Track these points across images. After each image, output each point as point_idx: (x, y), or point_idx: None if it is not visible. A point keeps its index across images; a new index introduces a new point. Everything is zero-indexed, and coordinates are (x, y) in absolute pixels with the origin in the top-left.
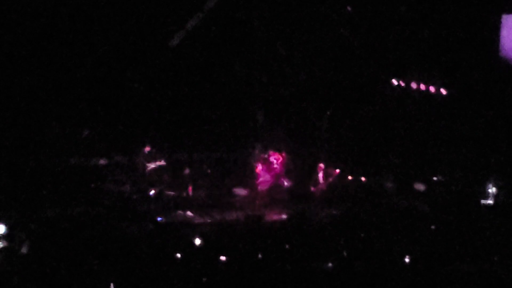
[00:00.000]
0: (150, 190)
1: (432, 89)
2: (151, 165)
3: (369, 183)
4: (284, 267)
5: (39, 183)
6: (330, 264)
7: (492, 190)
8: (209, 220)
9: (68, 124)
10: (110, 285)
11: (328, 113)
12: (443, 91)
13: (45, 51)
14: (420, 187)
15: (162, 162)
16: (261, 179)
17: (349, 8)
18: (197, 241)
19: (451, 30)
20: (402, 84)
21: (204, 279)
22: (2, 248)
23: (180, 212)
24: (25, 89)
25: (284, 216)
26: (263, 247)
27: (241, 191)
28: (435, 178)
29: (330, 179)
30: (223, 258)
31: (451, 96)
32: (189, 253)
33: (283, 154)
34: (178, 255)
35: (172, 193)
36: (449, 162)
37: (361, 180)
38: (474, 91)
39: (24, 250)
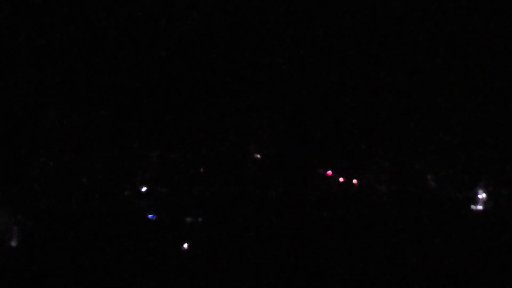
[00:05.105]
0: (142, 187)
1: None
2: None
3: (361, 185)
4: (277, 269)
5: (30, 176)
6: (320, 266)
7: (482, 196)
8: (200, 219)
9: (60, 118)
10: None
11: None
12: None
13: (41, 50)
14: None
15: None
16: None
17: None
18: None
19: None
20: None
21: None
22: None
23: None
24: (17, 83)
25: None
26: (255, 249)
27: None
28: (429, 177)
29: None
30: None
31: (444, 100)
32: (181, 252)
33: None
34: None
35: (164, 190)
36: (440, 167)
37: (352, 183)
38: (467, 96)
39: (13, 243)
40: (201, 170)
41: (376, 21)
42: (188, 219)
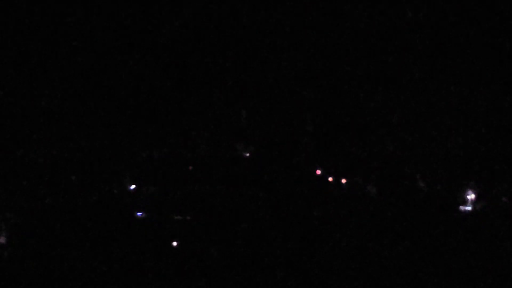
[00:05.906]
0: (131, 185)
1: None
2: None
3: (350, 185)
4: (263, 268)
5: (18, 173)
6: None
7: (470, 196)
8: (189, 218)
9: (50, 117)
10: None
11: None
12: None
13: (33, 49)
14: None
15: None
16: None
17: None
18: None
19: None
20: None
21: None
22: None
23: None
24: (8, 83)
25: None
26: (244, 247)
27: None
28: (418, 178)
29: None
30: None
31: (435, 102)
32: (169, 248)
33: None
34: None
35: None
36: (429, 168)
37: (341, 182)
38: (457, 99)
39: (1, 240)
40: (190, 168)
41: (368, 23)
42: (177, 217)
